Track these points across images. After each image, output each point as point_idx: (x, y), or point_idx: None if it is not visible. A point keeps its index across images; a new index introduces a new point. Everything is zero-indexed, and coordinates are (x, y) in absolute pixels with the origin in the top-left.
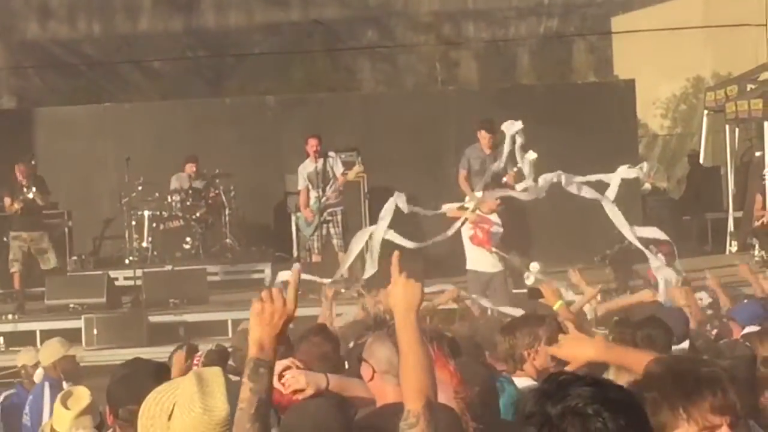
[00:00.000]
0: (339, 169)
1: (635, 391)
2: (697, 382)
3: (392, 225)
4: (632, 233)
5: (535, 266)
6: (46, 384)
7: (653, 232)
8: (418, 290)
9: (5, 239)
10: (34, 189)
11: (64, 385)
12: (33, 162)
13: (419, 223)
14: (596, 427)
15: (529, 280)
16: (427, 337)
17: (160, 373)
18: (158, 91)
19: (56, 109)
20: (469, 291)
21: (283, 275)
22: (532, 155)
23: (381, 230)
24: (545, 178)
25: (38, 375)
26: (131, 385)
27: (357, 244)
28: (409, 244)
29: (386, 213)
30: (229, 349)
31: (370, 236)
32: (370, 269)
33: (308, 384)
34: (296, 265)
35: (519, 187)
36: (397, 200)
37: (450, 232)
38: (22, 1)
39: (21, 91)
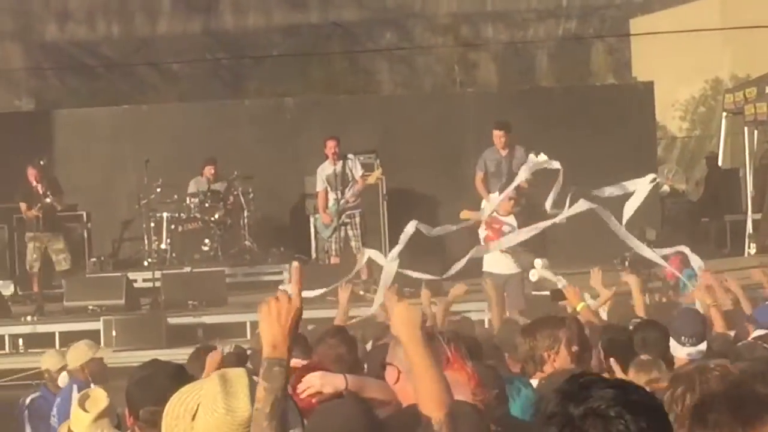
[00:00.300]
0: (358, 171)
1: (696, 413)
2: (757, 406)
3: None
4: (642, 247)
5: (539, 262)
6: (74, 387)
7: (696, 261)
8: (418, 311)
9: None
10: (50, 195)
11: (92, 387)
12: (42, 162)
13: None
14: (618, 430)
15: (534, 277)
16: (444, 339)
17: (179, 374)
18: (177, 93)
19: (75, 111)
20: (486, 293)
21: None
22: (542, 158)
23: (393, 266)
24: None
25: (62, 379)
26: (151, 387)
27: (371, 255)
28: (427, 277)
29: (401, 245)
30: (248, 352)
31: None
32: (377, 302)
33: (324, 385)
34: (295, 263)
35: (550, 208)
36: (419, 228)
37: (468, 256)
38: (41, 2)
39: (40, 92)
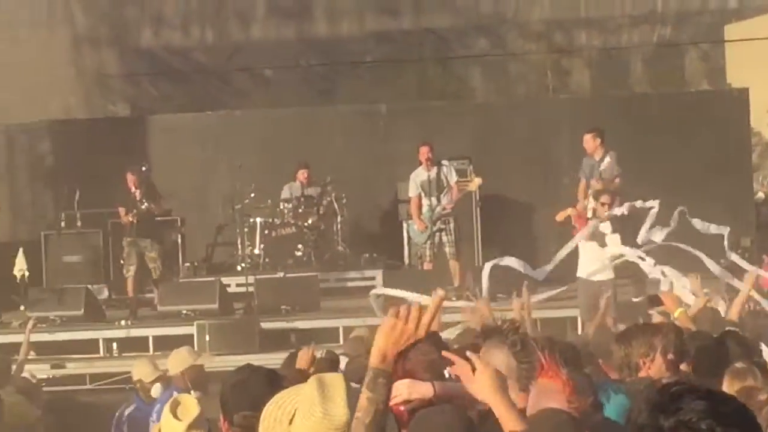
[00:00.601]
0: (453, 177)
1: None
2: None
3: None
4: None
5: (612, 238)
6: (174, 393)
7: None
8: (500, 374)
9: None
10: (146, 203)
11: (192, 393)
12: (144, 168)
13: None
14: None
15: (609, 251)
16: (539, 346)
17: (273, 379)
18: (270, 98)
19: (169, 117)
20: (579, 299)
21: (381, 290)
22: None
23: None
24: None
25: (156, 390)
26: (245, 392)
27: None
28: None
29: (486, 287)
30: (342, 357)
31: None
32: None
33: (411, 393)
34: (440, 291)
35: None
36: (516, 267)
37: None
38: (137, 9)
39: (134, 98)
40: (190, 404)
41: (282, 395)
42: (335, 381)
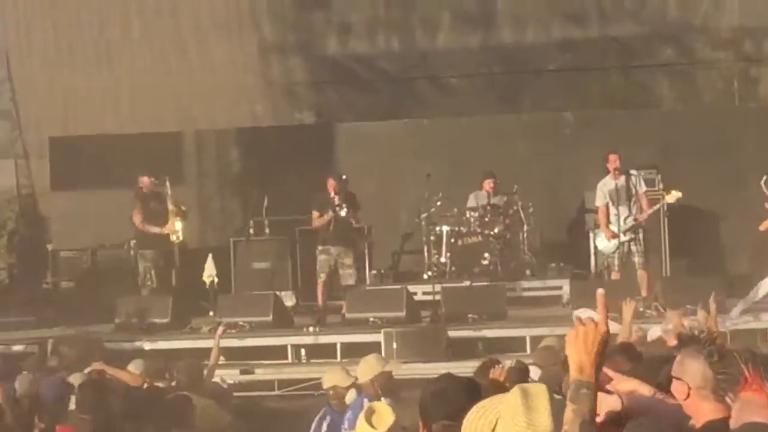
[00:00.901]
0: (642, 187)
1: None
2: None
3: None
4: None
5: None
6: (365, 400)
7: None
8: None
9: (315, 252)
10: (345, 208)
11: (383, 401)
12: (344, 177)
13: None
14: None
15: None
16: (742, 358)
17: (472, 388)
18: (454, 107)
19: (356, 125)
20: None
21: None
22: None
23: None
24: None
25: (350, 396)
26: (445, 401)
27: None
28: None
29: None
30: (530, 367)
31: None
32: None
33: (599, 407)
34: (600, 290)
35: None
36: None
37: None
38: (323, 17)
39: (319, 106)
40: (385, 412)
41: (483, 404)
42: (539, 391)
